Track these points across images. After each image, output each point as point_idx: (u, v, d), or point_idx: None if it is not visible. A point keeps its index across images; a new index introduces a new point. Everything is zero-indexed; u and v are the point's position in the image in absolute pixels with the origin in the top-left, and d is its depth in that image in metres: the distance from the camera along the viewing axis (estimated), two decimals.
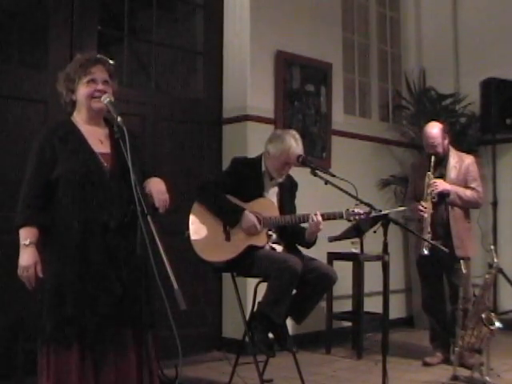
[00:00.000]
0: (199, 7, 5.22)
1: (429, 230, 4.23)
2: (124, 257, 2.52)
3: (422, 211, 4.27)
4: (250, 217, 3.47)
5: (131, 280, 2.52)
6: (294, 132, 3.67)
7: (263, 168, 3.65)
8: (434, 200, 4.31)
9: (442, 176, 4.40)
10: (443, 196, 4.33)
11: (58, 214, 2.50)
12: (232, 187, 3.58)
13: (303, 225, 3.59)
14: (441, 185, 4.31)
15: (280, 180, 3.67)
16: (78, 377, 2.43)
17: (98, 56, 2.73)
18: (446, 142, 4.46)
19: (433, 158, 4.34)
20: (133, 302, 2.51)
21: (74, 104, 2.65)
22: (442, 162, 4.43)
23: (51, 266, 2.49)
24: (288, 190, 3.73)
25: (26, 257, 2.46)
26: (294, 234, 3.64)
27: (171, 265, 2.23)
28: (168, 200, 2.66)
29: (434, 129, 4.43)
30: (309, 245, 3.64)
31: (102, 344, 2.47)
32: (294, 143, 3.56)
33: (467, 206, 4.45)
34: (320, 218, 3.45)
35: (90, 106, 2.60)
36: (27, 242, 2.46)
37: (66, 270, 2.46)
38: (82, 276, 2.45)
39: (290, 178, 3.76)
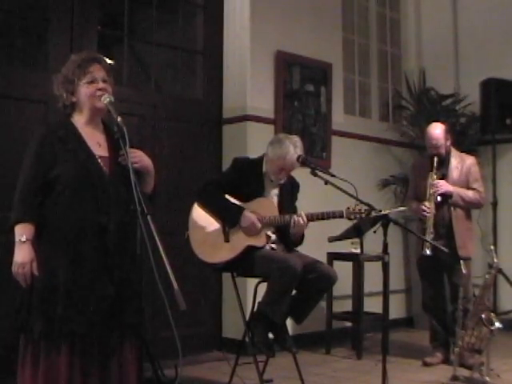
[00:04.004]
0: (199, 7, 5.22)
1: (431, 230, 4.23)
2: (119, 259, 2.51)
3: (425, 211, 4.28)
4: (249, 216, 3.47)
5: (124, 283, 2.51)
6: (295, 139, 3.61)
7: (264, 169, 3.64)
8: (436, 201, 4.31)
9: (444, 176, 4.40)
10: (445, 197, 4.34)
11: (54, 214, 2.49)
12: (232, 187, 3.57)
13: None
14: (443, 186, 4.31)
15: (281, 181, 3.66)
16: (66, 377, 2.41)
17: (94, 55, 2.72)
18: (449, 142, 4.45)
19: (435, 159, 4.34)
20: (123, 306, 2.50)
21: (73, 106, 2.63)
22: (443, 162, 4.43)
23: (44, 264, 2.47)
24: (289, 191, 3.72)
25: (22, 253, 2.44)
26: (285, 233, 3.63)
27: (171, 265, 2.23)
28: (145, 161, 2.63)
29: (437, 129, 4.42)
30: (294, 244, 3.62)
31: (92, 346, 2.46)
32: (293, 150, 3.52)
33: (469, 207, 4.46)
34: (301, 221, 3.43)
35: (92, 105, 2.58)
36: (23, 239, 2.44)
37: (58, 270, 2.45)
38: (75, 277, 2.44)
39: (291, 179, 3.75)
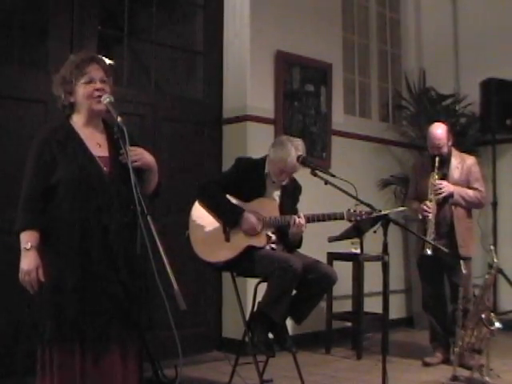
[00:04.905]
0: (199, 7, 5.22)
1: (433, 230, 4.23)
2: (124, 259, 2.52)
3: (426, 211, 4.28)
4: (249, 218, 3.46)
5: (131, 282, 2.52)
6: (298, 142, 3.59)
7: (266, 170, 3.64)
8: (438, 200, 4.31)
9: (445, 176, 4.40)
10: (447, 197, 4.34)
11: (58, 218, 2.49)
12: (234, 187, 3.57)
13: None
14: (446, 187, 4.31)
15: (283, 183, 3.65)
16: (81, 377, 2.43)
17: (92, 55, 2.71)
18: (450, 142, 4.45)
19: (437, 159, 4.34)
20: (133, 304, 2.51)
21: (72, 106, 2.63)
22: (444, 162, 4.42)
23: (51, 268, 2.48)
24: (290, 193, 3.71)
25: (28, 261, 2.45)
26: (285, 234, 3.62)
27: (171, 265, 2.23)
28: (147, 158, 2.63)
29: (439, 130, 4.41)
30: (293, 246, 3.61)
31: (104, 346, 2.47)
32: (294, 153, 3.50)
33: (470, 207, 4.46)
34: (301, 221, 3.42)
35: (90, 106, 2.58)
36: (28, 246, 2.45)
37: (66, 273, 2.45)
38: (83, 279, 2.45)
39: (293, 181, 3.74)
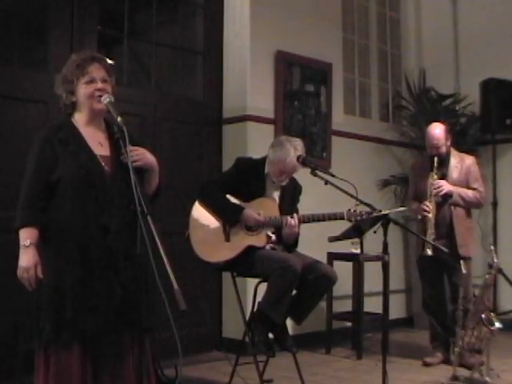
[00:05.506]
0: (199, 7, 5.22)
1: (433, 230, 4.23)
2: (123, 259, 2.51)
3: (426, 211, 4.28)
4: (250, 213, 3.46)
5: (131, 283, 2.51)
6: (297, 142, 3.58)
7: (266, 170, 3.64)
8: (438, 201, 4.31)
9: (444, 176, 4.40)
10: (446, 197, 4.34)
11: (58, 216, 2.48)
12: (234, 187, 3.57)
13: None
14: (445, 186, 4.31)
15: (283, 183, 3.65)
16: (79, 379, 2.42)
17: (94, 54, 2.70)
18: (449, 142, 4.45)
19: (436, 159, 4.34)
20: (132, 305, 2.50)
21: (74, 105, 2.63)
22: (443, 162, 4.43)
23: (50, 267, 2.47)
24: (290, 193, 3.71)
25: (27, 258, 2.44)
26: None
27: (171, 265, 2.23)
28: (148, 158, 2.62)
29: (438, 129, 4.41)
30: (289, 246, 3.60)
31: (102, 347, 2.46)
32: (293, 153, 3.50)
33: (470, 207, 4.46)
34: (293, 222, 3.42)
35: (91, 106, 2.57)
36: (27, 243, 2.44)
37: (65, 273, 2.44)
38: (82, 279, 2.44)
39: (293, 181, 3.74)
